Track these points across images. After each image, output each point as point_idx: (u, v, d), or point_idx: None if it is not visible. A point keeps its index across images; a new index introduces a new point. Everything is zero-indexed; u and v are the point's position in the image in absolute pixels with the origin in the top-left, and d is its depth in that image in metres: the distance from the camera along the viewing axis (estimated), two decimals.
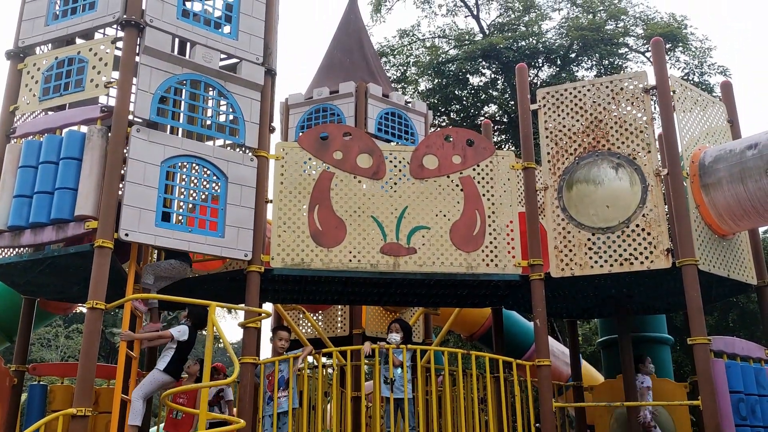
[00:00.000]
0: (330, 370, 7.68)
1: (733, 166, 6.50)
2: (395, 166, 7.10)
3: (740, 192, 6.42)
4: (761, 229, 10.92)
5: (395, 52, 22.87)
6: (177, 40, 6.94)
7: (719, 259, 6.71)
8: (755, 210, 6.41)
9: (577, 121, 7.07)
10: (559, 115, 7.17)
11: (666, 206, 6.91)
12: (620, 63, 20.79)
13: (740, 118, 7.66)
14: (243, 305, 6.35)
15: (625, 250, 6.55)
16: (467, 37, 22.59)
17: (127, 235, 5.72)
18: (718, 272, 6.62)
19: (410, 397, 6.57)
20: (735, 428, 6.13)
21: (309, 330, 9.73)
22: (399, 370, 6.57)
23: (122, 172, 5.94)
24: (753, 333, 15.62)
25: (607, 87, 7.07)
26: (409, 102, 9.57)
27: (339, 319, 9.72)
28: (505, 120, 21.25)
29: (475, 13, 23.09)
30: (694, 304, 6.17)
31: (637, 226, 6.56)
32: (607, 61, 20.55)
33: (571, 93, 7.19)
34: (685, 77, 19.91)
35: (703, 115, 7.28)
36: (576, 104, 7.12)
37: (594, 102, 7.05)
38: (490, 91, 21.61)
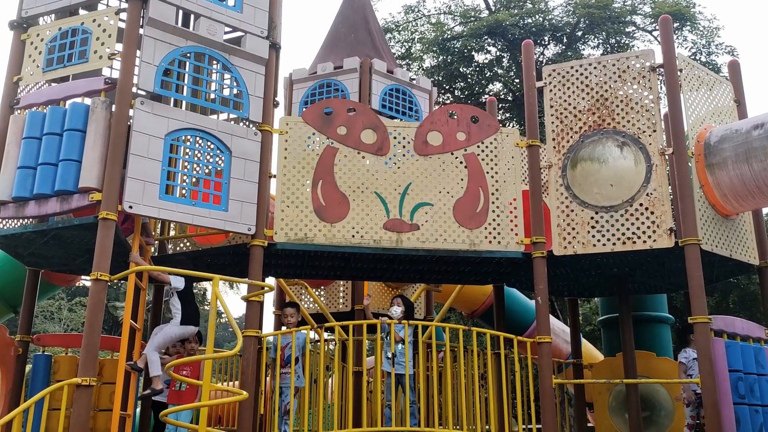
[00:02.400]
0: (332, 345, 7.74)
1: (738, 146, 6.47)
2: (399, 143, 7.08)
3: (745, 172, 6.40)
4: (765, 210, 10.91)
5: (400, 29, 22.67)
6: (181, 12, 6.86)
7: (722, 239, 6.71)
8: (760, 190, 6.39)
9: (583, 99, 7.03)
10: (564, 93, 7.12)
11: (670, 186, 6.89)
12: (627, 42, 20.61)
13: (747, 98, 7.61)
14: (246, 279, 6.38)
15: (628, 229, 6.55)
16: (473, 13, 22.36)
17: (131, 207, 5.73)
18: (720, 252, 6.63)
19: (411, 373, 6.63)
20: (733, 406, 6.18)
21: (311, 305, 9.79)
22: (400, 346, 6.62)
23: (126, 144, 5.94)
24: (753, 314, 15.68)
25: (613, 65, 7.01)
26: (414, 78, 9.52)
27: (341, 294, 9.78)
28: (509, 98, 21.13)
29: None
30: (695, 283, 6.18)
31: (641, 205, 6.55)
32: (613, 40, 20.37)
33: (577, 71, 7.14)
34: (693, 57, 19.74)
35: (710, 94, 7.23)
36: (582, 82, 7.07)
37: (600, 80, 7.00)
38: (495, 69, 21.46)
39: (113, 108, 5.95)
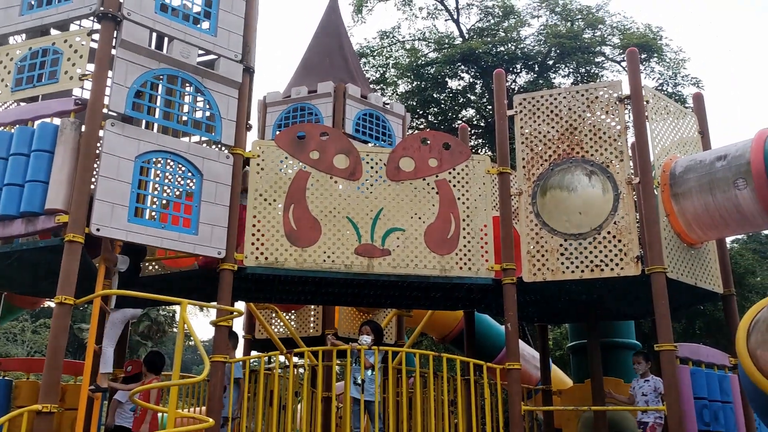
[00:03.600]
0: (301, 370, 7.66)
1: (702, 177, 6.63)
2: (372, 168, 7.11)
3: (709, 202, 6.55)
4: (728, 239, 11.14)
5: (375, 54, 22.90)
6: (155, 34, 6.86)
7: (687, 267, 6.83)
8: (723, 220, 6.54)
9: (553, 127, 7.15)
10: (534, 122, 7.24)
11: (637, 214, 7.02)
12: (597, 71, 21.09)
13: (711, 130, 7.81)
14: (215, 303, 6.31)
15: (596, 256, 6.64)
16: (447, 40, 22.71)
17: (98, 230, 5.65)
18: (685, 280, 6.74)
19: (380, 400, 6.57)
20: None
21: (281, 329, 9.70)
22: (370, 372, 6.58)
23: (95, 166, 5.88)
24: (718, 341, 15.91)
25: (582, 95, 7.16)
26: (388, 104, 9.60)
27: (312, 319, 9.72)
28: (482, 124, 21.40)
29: (455, 17, 23.22)
30: (661, 311, 6.27)
31: (609, 233, 6.66)
32: (583, 69, 20.83)
33: (547, 100, 7.27)
34: (659, 87, 20.25)
35: (675, 125, 7.41)
36: (552, 111, 7.20)
37: (569, 109, 7.14)
38: (468, 95, 21.75)
39: (83, 129, 5.89)
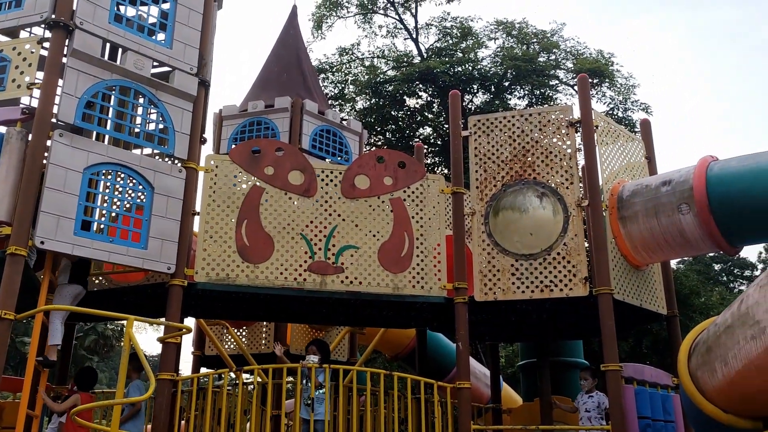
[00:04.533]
0: (250, 388, 7.56)
1: (648, 201, 6.83)
2: (327, 184, 7.10)
3: (654, 226, 6.74)
4: (672, 262, 11.47)
5: (334, 70, 22.97)
6: (108, 44, 6.75)
7: (633, 289, 7.01)
8: (667, 243, 6.74)
9: (506, 149, 7.27)
10: (488, 143, 7.36)
11: (586, 236, 7.18)
12: (551, 94, 21.58)
13: (657, 155, 8.06)
14: (163, 320, 6.19)
15: (546, 277, 6.75)
16: (405, 59, 22.95)
17: (42, 243, 5.50)
18: (631, 302, 6.91)
19: (329, 419, 6.51)
20: None
21: (232, 346, 9.56)
22: (319, 391, 6.52)
23: (41, 177, 5.73)
24: (665, 359, 16.31)
25: (535, 118, 7.31)
26: (345, 120, 9.63)
27: (263, 335, 9.60)
28: (439, 143, 21.64)
29: (414, 36, 23.50)
30: (608, 331, 6.41)
31: (558, 254, 6.79)
32: (538, 92, 21.30)
33: (501, 122, 7.40)
34: (610, 112, 20.82)
35: (624, 150, 7.62)
36: (505, 133, 7.33)
37: (522, 132, 7.28)
38: (426, 114, 21.99)
39: (29, 139, 5.74)
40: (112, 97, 6.28)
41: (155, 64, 6.62)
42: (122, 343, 6.17)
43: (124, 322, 5.44)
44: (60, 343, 5.94)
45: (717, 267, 28.72)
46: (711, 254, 27.58)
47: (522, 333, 8.74)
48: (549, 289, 6.71)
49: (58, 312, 5.94)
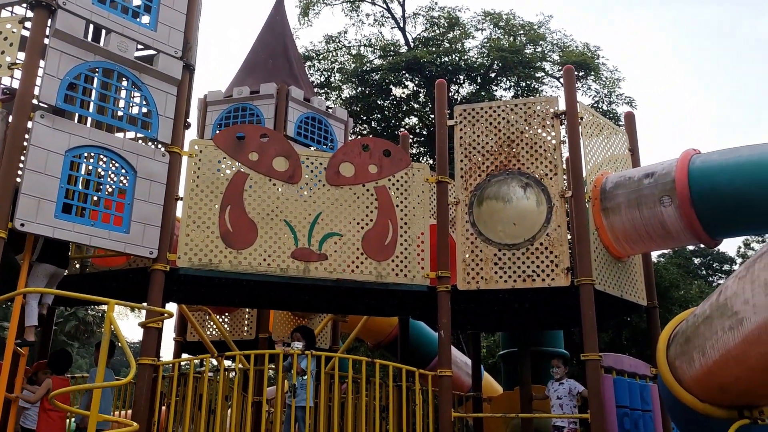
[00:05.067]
0: (232, 374, 7.55)
1: (630, 193, 6.88)
2: (312, 171, 7.08)
3: (636, 217, 6.80)
4: (654, 254, 11.59)
5: (320, 58, 22.85)
6: (92, 26, 6.66)
7: (614, 279, 7.08)
8: (648, 235, 6.81)
9: (491, 139, 7.29)
10: (474, 133, 7.37)
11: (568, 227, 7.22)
12: (537, 86, 21.62)
13: (640, 148, 8.13)
14: (145, 304, 6.15)
15: (528, 267, 6.80)
16: (392, 48, 22.86)
17: (23, 225, 5.44)
18: (612, 292, 6.98)
19: (311, 405, 6.53)
20: None
21: (214, 332, 9.53)
22: (302, 378, 6.53)
23: (22, 159, 5.66)
24: (643, 350, 16.52)
25: (520, 109, 7.33)
26: (331, 108, 9.58)
27: (246, 322, 9.58)
28: (424, 133, 21.63)
29: (401, 25, 23.41)
30: (588, 321, 6.47)
31: (541, 244, 6.83)
32: (524, 83, 21.33)
33: (486, 112, 7.41)
34: (595, 105, 20.92)
35: (608, 142, 7.67)
36: (491, 123, 7.34)
37: (508, 122, 7.29)
38: (412, 104, 21.96)
39: (10, 120, 5.66)
40: (95, 79, 6.21)
41: (139, 46, 6.55)
42: (103, 329, 6.13)
43: (105, 307, 5.39)
44: (36, 323, 5.89)
45: (697, 261, 29.04)
46: (691, 248, 27.90)
47: (504, 322, 8.80)
48: (531, 279, 6.76)
49: (34, 296, 5.88)
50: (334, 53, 23.16)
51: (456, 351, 11.24)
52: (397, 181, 7.27)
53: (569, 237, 7.03)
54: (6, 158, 5.51)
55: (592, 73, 20.87)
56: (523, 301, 7.59)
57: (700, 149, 6.86)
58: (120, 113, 6.43)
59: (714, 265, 29.37)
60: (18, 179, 5.61)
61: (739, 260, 29.29)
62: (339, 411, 7.39)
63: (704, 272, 28.90)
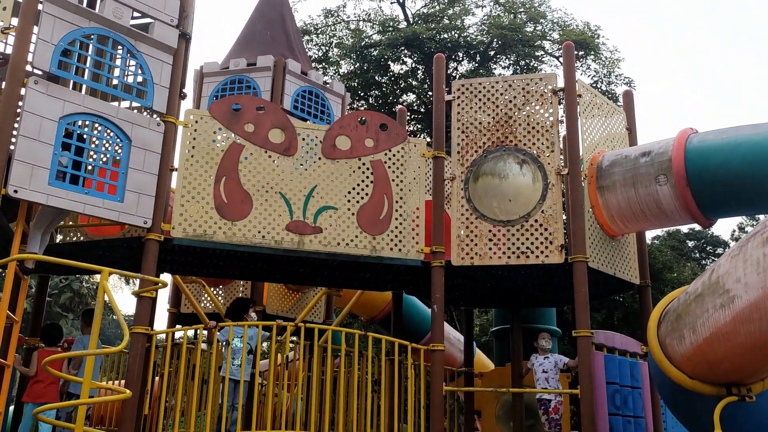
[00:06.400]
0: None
1: (627, 171, 6.88)
2: (307, 144, 7.05)
3: (631, 196, 6.80)
4: (648, 235, 11.62)
5: (319, 32, 22.65)
6: None
7: (607, 258, 7.10)
8: (643, 214, 6.82)
9: (488, 115, 7.26)
10: (471, 108, 7.33)
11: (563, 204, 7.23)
12: (536, 65, 21.49)
13: (638, 127, 8.11)
14: (139, 274, 6.15)
15: (522, 243, 6.80)
16: (391, 23, 22.67)
17: (16, 191, 5.40)
18: (605, 270, 7.01)
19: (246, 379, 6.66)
20: (609, 417, 6.54)
21: (208, 304, 9.55)
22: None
23: (15, 125, 5.61)
24: (635, 330, 16.64)
25: (519, 85, 7.28)
26: (328, 82, 9.51)
27: (240, 294, 9.60)
28: (422, 110, 21.54)
29: (401, 0, 23.18)
30: (581, 298, 6.50)
31: (536, 221, 6.83)
32: (523, 62, 21.19)
33: (485, 87, 7.36)
34: (594, 85, 20.84)
35: (605, 120, 7.65)
36: (489, 99, 7.30)
37: (505, 99, 7.26)
38: (410, 80, 21.83)
39: (3, 86, 5.59)
40: (90, 45, 6.13)
41: (135, 14, 6.46)
42: (97, 300, 6.13)
43: (99, 278, 5.39)
44: (37, 250, 5.96)
45: (690, 243, 29.18)
46: (685, 231, 28.02)
47: (497, 299, 8.85)
48: (525, 255, 6.77)
49: (38, 227, 6.00)
50: (332, 28, 22.97)
51: (449, 327, 11.30)
52: (394, 155, 7.25)
53: (564, 214, 7.04)
54: None
55: (592, 52, 20.76)
56: (517, 278, 7.62)
57: (698, 129, 6.84)
58: (115, 81, 6.36)
59: (707, 248, 29.53)
60: (11, 146, 5.57)
61: (732, 243, 29.42)
62: (331, 384, 7.44)
63: (697, 255, 29.05)
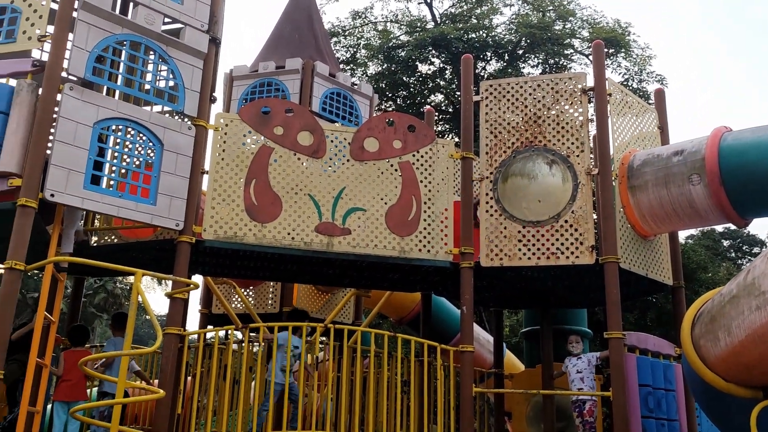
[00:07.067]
0: (256, 347, 7.65)
1: (659, 171, 6.78)
2: (336, 146, 7.09)
3: (663, 196, 6.70)
4: (682, 235, 11.42)
5: (346, 33, 22.73)
6: None
7: (639, 258, 7.00)
8: (676, 214, 6.71)
9: (517, 115, 7.22)
10: (500, 109, 7.29)
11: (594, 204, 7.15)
12: (565, 63, 21.28)
13: (670, 126, 7.98)
14: (171, 275, 6.25)
15: (552, 244, 6.75)
16: (419, 24, 22.65)
17: (52, 195, 5.54)
18: (637, 271, 6.91)
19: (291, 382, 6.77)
20: (642, 420, 6.45)
21: (239, 305, 9.66)
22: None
23: (52, 130, 5.74)
24: (668, 331, 16.35)
25: (548, 85, 7.23)
26: (356, 84, 9.55)
27: (270, 295, 9.68)
28: (450, 110, 21.47)
29: (428, 0, 23.15)
30: (612, 299, 6.42)
31: (566, 221, 6.77)
32: (552, 61, 21.00)
33: (513, 88, 7.32)
34: (625, 83, 20.54)
35: (636, 119, 7.54)
36: (517, 99, 7.26)
37: (534, 98, 7.21)
38: (438, 81, 21.77)
39: (39, 92, 5.74)
40: (123, 51, 6.26)
41: (166, 20, 6.58)
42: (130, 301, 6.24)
43: (133, 278, 5.49)
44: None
45: (726, 243, 28.58)
46: (720, 230, 27.45)
47: (526, 300, 8.78)
48: (555, 256, 6.72)
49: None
50: (360, 29, 23.03)
51: (478, 328, 11.25)
52: (422, 156, 7.24)
53: (594, 215, 6.97)
54: (36, 130, 5.60)
55: (623, 50, 20.47)
56: (547, 279, 7.55)
57: (732, 127, 6.71)
58: (147, 86, 6.48)
59: (743, 248, 28.89)
60: (48, 151, 5.71)
61: None
62: (361, 386, 7.46)
63: (733, 254, 28.45)
